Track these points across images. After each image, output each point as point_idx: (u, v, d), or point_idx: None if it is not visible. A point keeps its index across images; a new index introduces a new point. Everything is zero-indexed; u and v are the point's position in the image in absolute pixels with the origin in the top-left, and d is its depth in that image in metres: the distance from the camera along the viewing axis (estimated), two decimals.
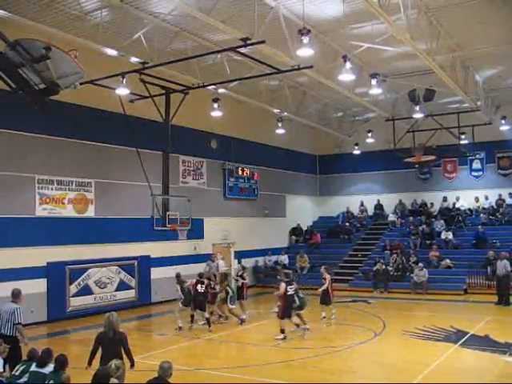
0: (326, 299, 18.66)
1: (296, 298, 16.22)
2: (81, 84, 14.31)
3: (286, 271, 17.40)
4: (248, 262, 28.51)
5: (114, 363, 7.80)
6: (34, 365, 8.71)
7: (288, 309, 15.74)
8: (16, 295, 11.71)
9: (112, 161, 21.98)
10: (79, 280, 20.54)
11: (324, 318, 18.73)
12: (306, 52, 15.62)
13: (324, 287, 18.51)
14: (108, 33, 17.52)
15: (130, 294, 22.37)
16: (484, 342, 15.16)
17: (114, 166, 22.06)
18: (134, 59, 18.47)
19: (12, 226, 18.43)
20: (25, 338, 11.34)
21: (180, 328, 17.44)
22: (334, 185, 35.73)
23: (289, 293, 15.68)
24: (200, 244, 25.60)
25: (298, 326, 16.41)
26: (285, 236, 32.97)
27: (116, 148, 22.11)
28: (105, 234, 21.28)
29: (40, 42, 12.16)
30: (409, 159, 28.69)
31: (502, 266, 21.99)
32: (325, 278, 18.71)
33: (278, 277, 18.00)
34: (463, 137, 28.55)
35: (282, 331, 15.65)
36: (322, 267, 19.56)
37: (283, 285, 15.68)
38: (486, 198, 31.13)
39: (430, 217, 31.22)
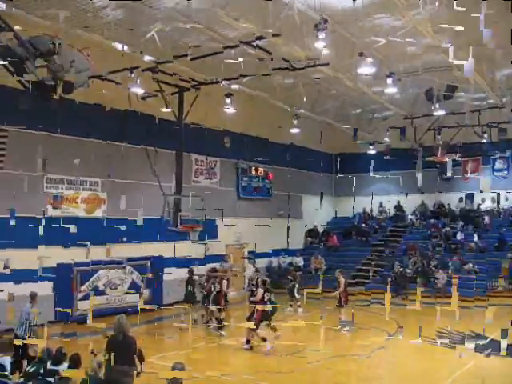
0: (339, 303, 18.77)
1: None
2: (90, 78, 14.16)
3: (264, 278, 17.46)
4: (261, 263, 28.20)
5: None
6: (49, 363, 8.97)
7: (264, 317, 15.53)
8: (33, 297, 12.33)
9: (125, 160, 21.52)
10: (89, 282, 20.20)
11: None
12: (321, 47, 15.11)
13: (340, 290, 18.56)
14: (121, 30, 17.30)
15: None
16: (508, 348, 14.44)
17: (128, 166, 21.68)
18: (147, 57, 18.21)
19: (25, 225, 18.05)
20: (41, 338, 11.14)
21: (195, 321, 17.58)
22: (350, 185, 34.88)
23: (265, 299, 15.80)
24: (213, 245, 25.06)
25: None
26: (300, 237, 32.36)
27: (130, 147, 21.74)
28: (115, 233, 20.82)
29: (48, 36, 12.06)
30: (431, 158, 27.93)
31: None
32: (339, 282, 18.64)
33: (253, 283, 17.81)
34: (485, 135, 27.64)
35: (264, 339, 15.40)
36: (337, 270, 19.63)
37: (261, 291, 15.88)
38: (506, 198, 30.16)
39: (453, 218, 30.33)
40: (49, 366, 8.91)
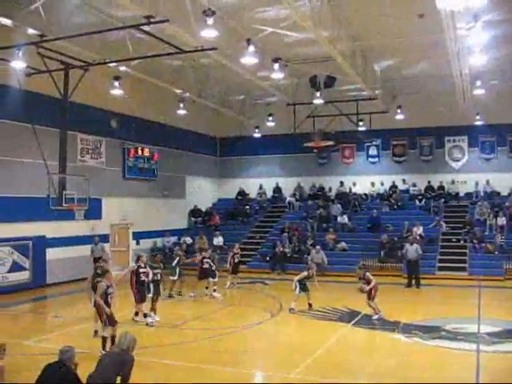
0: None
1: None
2: None
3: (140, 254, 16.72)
4: (146, 243, 28.44)
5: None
6: None
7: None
8: None
9: (5, 137, 20.96)
10: None
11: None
12: (209, 33, 15.65)
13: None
14: (3, 1, 16.62)
15: (23, 276, 21.57)
16: (375, 321, 15.82)
17: (7, 143, 21.05)
18: (31, 31, 17.58)
19: None
20: None
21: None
22: (234, 167, 35.93)
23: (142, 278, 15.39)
24: (98, 224, 25.05)
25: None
26: (184, 217, 32.85)
27: (10, 123, 21.10)
28: None
29: None
30: (308, 144, 29.38)
31: (414, 250, 22.64)
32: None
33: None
34: (361, 124, 29.61)
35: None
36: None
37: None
38: (382, 183, 32.39)
39: (328, 201, 32.09)
40: None
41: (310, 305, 17.51)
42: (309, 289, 17.59)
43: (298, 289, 17.38)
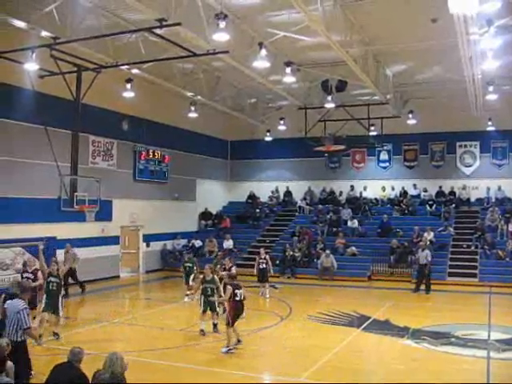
0: None
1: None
2: None
3: (231, 273, 15.75)
4: (157, 246, 28.57)
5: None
6: None
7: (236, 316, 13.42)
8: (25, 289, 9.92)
9: (18, 138, 21.07)
10: None
11: None
12: (221, 37, 15.61)
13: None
14: (17, 3, 16.74)
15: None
16: (384, 327, 15.80)
17: (21, 144, 21.14)
18: (44, 33, 17.71)
19: None
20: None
21: None
22: (244, 170, 35.96)
23: (237, 298, 13.32)
24: (108, 226, 25.15)
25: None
26: (194, 220, 32.90)
27: (23, 125, 21.18)
28: (9, 213, 20.43)
29: None
30: (319, 148, 29.36)
31: (424, 255, 22.51)
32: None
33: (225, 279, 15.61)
34: (372, 128, 29.53)
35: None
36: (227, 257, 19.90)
37: (230, 288, 13.39)
38: (393, 188, 32.31)
39: (338, 205, 32.05)
40: None
41: (214, 325, 15.06)
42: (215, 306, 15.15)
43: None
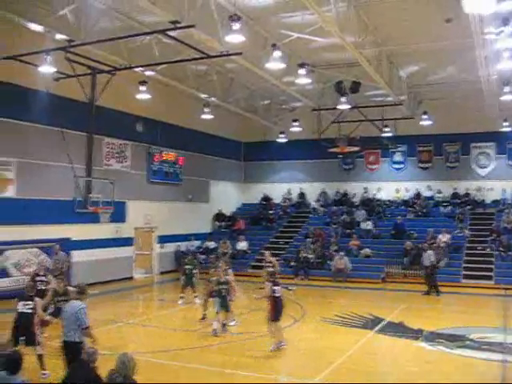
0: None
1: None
2: (3, 59, 13.94)
3: (270, 270, 15.59)
4: (170, 247, 28.64)
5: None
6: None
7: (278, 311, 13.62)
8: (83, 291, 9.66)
9: (34, 140, 21.17)
10: None
11: None
12: (235, 38, 15.60)
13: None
14: (32, 7, 16.88)
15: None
16: (399, 329, 15.72)
17: (37, 146, 21.25)
18: (59, 36, 17.87)
19: None
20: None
21: None
22: (258, 172, 35.96)
23: (276, 294, 13.55)
24: (122, 227, 25.25)
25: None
26: (208, 221, 32.94)
27: (39, 127, 21.31)
28: (24, 214, 20.56)
29: None
30: (333, 149, 29.30)
31: (427, 256, 22.47)
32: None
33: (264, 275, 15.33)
34: (386, 129, 29.41)
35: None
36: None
37: (269, 285, 13.66)
38: (407, 190, 32.17)
39: (352, 207, 31.98)
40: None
41: (223, 325, 15.20)
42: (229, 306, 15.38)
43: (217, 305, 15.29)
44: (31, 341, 10.68)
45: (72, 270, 21.45)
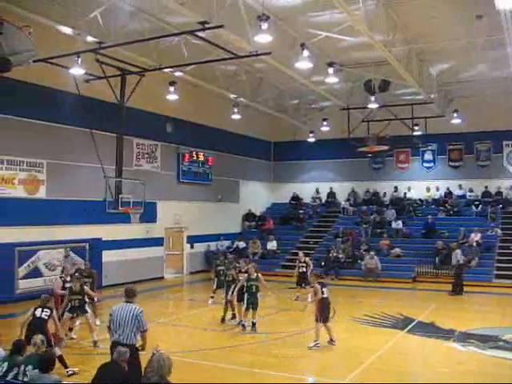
0: None
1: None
2: (34, 62, 14.08)
3: (317, 273, 16.48)
4: (201, 247, 28.78)
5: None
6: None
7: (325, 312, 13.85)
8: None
9: (65, 141, 21.47)
10: (29, 262, 20.16)
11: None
12: (264, 38, 15.68)
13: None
14: (63, 10, 17.09)
15: None
16: (429, 329, 15.58)
17: (67, 147, 21.50)
18: (89, 38, 18.08)
19: None
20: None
21: None
22: (287, 171, 35.92)
23: (324, 295, 13.85)
24: (152, 228, 25.45)
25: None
26: (238, 221, 33.02)
27: (69, 128, 21.59)
28: (55, 215, 20.84)
29: None
30: (362, 149, 29.15)
31: (454, 256, 22.42)
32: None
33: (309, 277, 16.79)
34: (416, 128, 29.15)
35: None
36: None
37: (318, 287, 13.95)
38: (437, 188, 31.86)
39: (382, 206, 31.77)
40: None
41: (253, 324, 15.30)
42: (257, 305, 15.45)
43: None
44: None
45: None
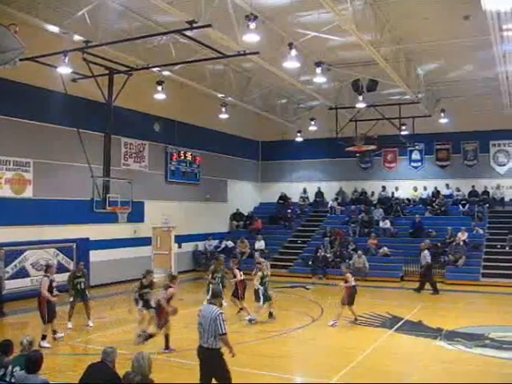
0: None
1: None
2: (21, 60, 13.97)
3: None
4: (189, 246, 28.71)
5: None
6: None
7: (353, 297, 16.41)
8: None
9: (52, 141, 21.38)
10: (16, 262, 20.04)
11: None
12: (252, 38, 15.69)
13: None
14: (50, 9, 17.01)
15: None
16: (417, 328, 15.64)
17: (54, 147, 21.45)
18: (77, 37, 18.01)
19: None
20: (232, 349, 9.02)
21: None
22: (275, 171, 35.95)
23: (353, 283, 16.47)
24: (140, 227, 25.36)
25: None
26: (226, 221, 32.98)
27: (56, 128, 21.50)
28: (42, 215, 20.71)
29: None
30: (350, 148, 29.19)
31: (422, 256, 22.80)
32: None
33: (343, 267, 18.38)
34: (404, 128, 29.21)
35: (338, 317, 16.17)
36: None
37: (349, 275, 16.55)
38: (425, 188, 31.99)
39: (370, 205, 31.86)
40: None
41: (270, 314, 16.84)
42: (272, 297, 16.99)
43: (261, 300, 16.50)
44: None
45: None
